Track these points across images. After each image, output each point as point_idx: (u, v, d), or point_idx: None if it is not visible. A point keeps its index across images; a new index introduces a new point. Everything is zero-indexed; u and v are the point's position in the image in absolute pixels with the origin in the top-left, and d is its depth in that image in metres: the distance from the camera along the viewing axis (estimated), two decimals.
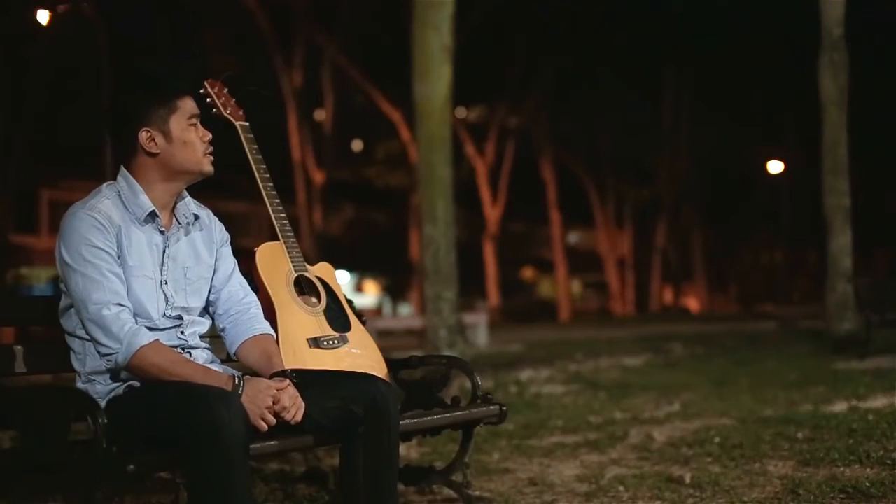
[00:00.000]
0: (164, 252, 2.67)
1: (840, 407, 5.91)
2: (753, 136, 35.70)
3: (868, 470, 3.95)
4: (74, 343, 2.64)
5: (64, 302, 2.63)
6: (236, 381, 2.50)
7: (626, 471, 4.23)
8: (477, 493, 3.79)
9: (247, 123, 3.30)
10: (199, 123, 2.70)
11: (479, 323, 16.90)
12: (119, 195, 2.65)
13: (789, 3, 23.39)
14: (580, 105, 32.35)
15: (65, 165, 30.23)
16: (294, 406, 2.54)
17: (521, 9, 28.27)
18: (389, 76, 27.07)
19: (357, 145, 39.81)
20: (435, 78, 10.96)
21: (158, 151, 2.63)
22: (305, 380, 2.73)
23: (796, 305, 33.47)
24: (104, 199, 2.63)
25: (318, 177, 29.65)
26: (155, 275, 2.64)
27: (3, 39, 21.24)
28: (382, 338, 13.56)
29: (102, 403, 2.54)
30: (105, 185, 2.70)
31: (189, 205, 2.78)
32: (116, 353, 2.48)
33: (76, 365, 2.64)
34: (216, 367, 2.71)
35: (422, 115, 11.10)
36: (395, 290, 40.97)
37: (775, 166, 34.86)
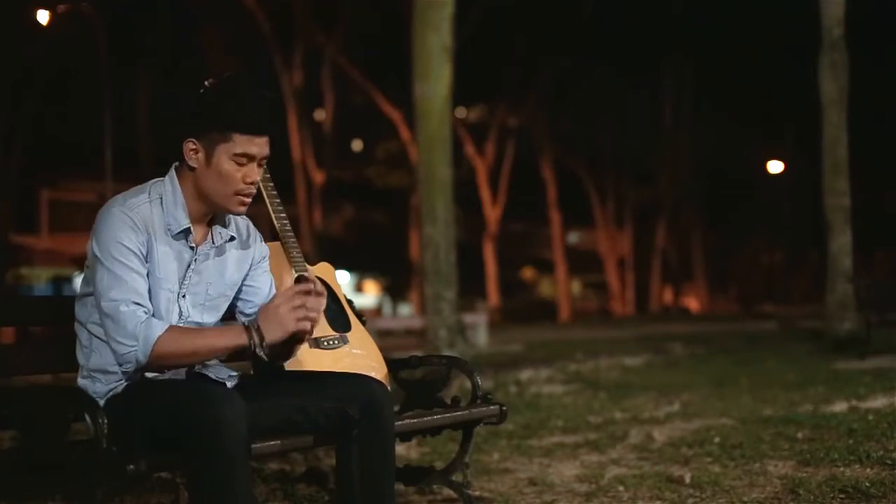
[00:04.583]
0: (188, 266, 2.62)
1: (840, 407, 5.91)
2: (753, 136, 35.72)
3: (868, 470, 3.95)
4: (83, 334, 2.61)
5: (82, 289, 2.60)
6: (248, 327, 2.49)
7: (626, 471, 4.23)
8: (477, 493, 3.79)
9: None
10: (251, 164, 2.56)
11: (479, 323, 16.90)
12: (161, 200, 2.59)
13: (789, 3, 23.41)
14: (580, 105, 32.36)
15: (65, 165, 30.24)
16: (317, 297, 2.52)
17: (521, 9, 28.29)
18: (389, 76, 27.10)
19: (357, 145, 39.82)
20: (435, 78, 10.96)
21: (196, 167, 2.57)
22: (304, 380, 2.73)
23: (796, 305, 33.50)
24: (145, 202, 2.56)
25: (318, 177, 29.67)
26: (174, 287, 2.60)
27: (3, 39, 21.24)
28: (382, 338, 13.57)
29: (102, 402, 2.53)
30: (152, 183, 2.63)
31: (229, 223, 2.70)
32: (135, 349, 2.44)
33: (80, 358, 2.62)
34: (218, 366, 2.71)
35: (422, 115, 11.10)
36: (395, 290, 40.97)
37: (775, 166, 34.89)
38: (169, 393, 2.46)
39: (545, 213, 35.57)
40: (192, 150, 2.56)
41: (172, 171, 2.63)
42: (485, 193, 32.85)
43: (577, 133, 34.13)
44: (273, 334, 2.49)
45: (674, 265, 39.99)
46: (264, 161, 2.61)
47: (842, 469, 4.00)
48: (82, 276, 2.63)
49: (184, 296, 2.61)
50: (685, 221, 38.49)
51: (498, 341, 16.07)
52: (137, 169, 28.67)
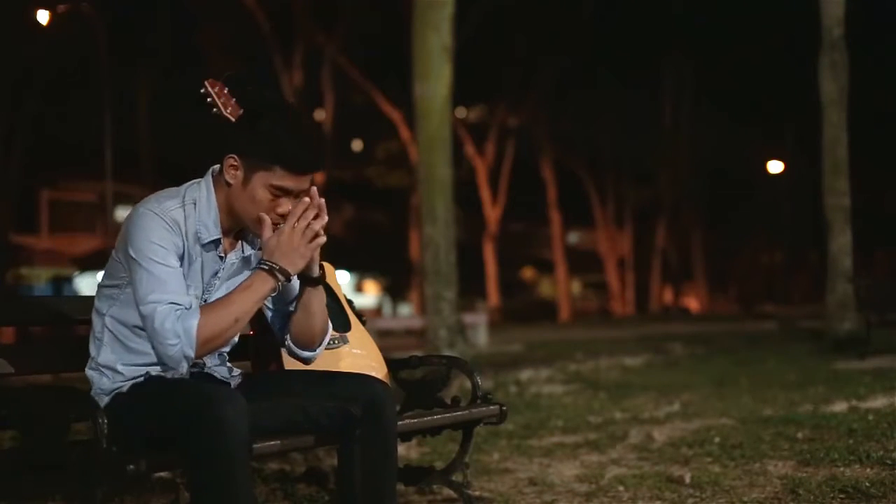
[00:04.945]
0: (216, 273, 2.61)
1: (840, 407, 5.91)
2: (753, 136, 35.74)
3: (868, 470, 3.95)
4: (97, 324, 2.59)
5: (104, 281, 2.58)
6: (267, 269, 2.45)
7: (626, 471, 4.23)
8: (477, 493, 3.79)
9: None
10: (284, 198, 2.49)
11: (479, 323, 16.91)
12: (195, 206, 2.55)
13: (789, 3, 23.41)
14: (580, 105, 32.36)
15: (65, 165, 30.23)
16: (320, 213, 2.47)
17: (521, 9, 28.30)
18: (389, 76, 27.10)
19: (357, 145, 39.80)
20: (435, 78, 10.96)
21: (231, 184, 2.53)
22: (305, 379, 2.72)
23: (796, 305, 33.52)
24: (177, 207, 2.53)
25: (318, 177, 29.54)
26: (199, 293, 2.58)
27: (3, 39, 21.23)
28: (382, 338, 13.59)
29: (106, 399, 2.53)
30: (187, 187, 2.58)
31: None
32: (179, 345, 2.40)
33: (91, 348, 2.60)
34: (221, 365, 2.71)
35: (422, 115, 11.11)
36: (395, 290, 40.99)
37: (775, 166, 34.91)
38: (171, 393, 2.45)
39: (545, 213, 35.58)
40: (232, 166, 2.52)
41: (209, 178, 2.59)
42: (485, 193, 32.85)
43: (577, 133, 34.14)
44: (295, 265, 2.47)
45: (674, 265, 40.00)
46: (301, 194, 2.54)
47: (842, 469, 4.00)
48: (105, 269, 2.60)
49: (205, 300, 2.59)
50: (685, 221, 38.51)
51: (498, 341, 16.08)
52: (137, 169, 28.71)
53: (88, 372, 2.60)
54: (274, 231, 2.48)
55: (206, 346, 2.44)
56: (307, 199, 2.47)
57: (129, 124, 27.18)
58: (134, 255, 2.46)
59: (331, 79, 29.36)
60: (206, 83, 3.29)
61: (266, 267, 2.46)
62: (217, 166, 2.59)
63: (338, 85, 29.54)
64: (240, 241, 2.65)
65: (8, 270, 27.08)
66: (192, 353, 2.41)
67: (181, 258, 2.51)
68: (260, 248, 2.64)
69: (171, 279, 2.45)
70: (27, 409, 2.53)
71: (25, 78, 23.78)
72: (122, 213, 34.05)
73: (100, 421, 2.35)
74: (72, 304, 3.06)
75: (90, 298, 2.78)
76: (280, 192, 2.49)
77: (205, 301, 2.58)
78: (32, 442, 2.50)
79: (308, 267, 2.55)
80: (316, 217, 2.47)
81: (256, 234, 2.58)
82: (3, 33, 21.06)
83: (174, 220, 2.50)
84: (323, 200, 2.49)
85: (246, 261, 2.66)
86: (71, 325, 2.95)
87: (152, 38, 28.16)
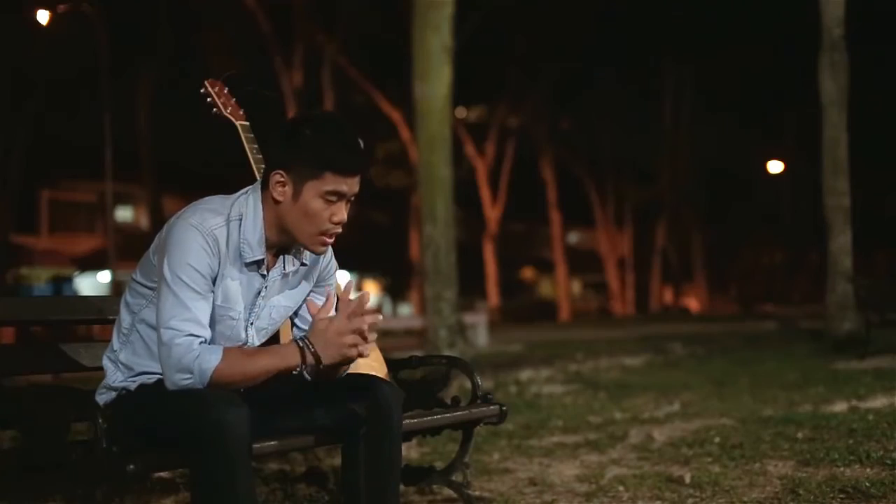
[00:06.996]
0: (258, 293, 2.58)
1: (840, 407, 5.92)
2: (753, 136, 35.75)
3: (868, 470, 3.95)
4: (126, 319, 2.58)
5: (140, 279, 2.56)
6: (302, 349, 2.44)
7: (626, 471, 4.23)
8: (477, 493, 3.79)
9: (247, 123, 3.31)
10: (340, 203, 2.48)
11: (479, 323, 16.90)
12: (240, 222, 2.50)
13: (789, 3, 23.42)
14: (580, 105, 32.36)
15: (65, 165, 30.23)
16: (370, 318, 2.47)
17: (520, 9, 28.30)
18: (389, 76, 27.11)
19: None
20: (435, 78, 10.98)
21: (281, 201, 2.47)
22: (307, 380, 2.72)
23: (796, 305, 33.51)
24: (221, 226, 2.47)
25: None
26: (240, 316, 2.56)
27: (3, 39, 21.23)
28: (382, 338, 13.56)
29: (112, 395, 2.53)
30: (235, 199, 2.53)
31: (302, 250, 2.61)
32: (190, 381, 2.39)
33: (115, 340, 2.59)
34: None
35: (422, 115, 11.12)
36: (395, 290, 40.98)
37: (775, 166, 34.91)
38: (174, 395, 2.44)
39: (545, 213, 35.59)
40: (280, 182, 2.48)
41: (258, 194, 2.54)
42: (485, 193, 32.86)
43: (577, 133, 34.15)
44: (331, 357, 2.46)
45: (674, 265, 40.00)
46: (353, 198, 2.53)
47: (842, 469, 4.00)
48: (139, 266, 2.57)
49: (252, 323, 2.58)
50: (685, 221, 38.51)
51: (498, 341, 16.07)
52: (137, 169, 28.69)
53: (105, 362, 2.59)
54: (330, 314, 2.48)
55: (217, 387, 2.41)
56: (364, 301, 2.45)
57: (129, 124, 27.17)
58: (167, 273, 2.42)
59: (331, 79, 29.36)
60: (206, 83, 3.30)
61: (302, 345, 2.45)
62: (264, 179, 2.55)
63: (338, 85, 29.54)
64: (281, 257, 2.61)
65: (8, 270, 27.08)
66: (204, 388, 2.40)
67: (214, 280, 2.48)
68: (303, 264, 2.63)
69: (196, 306, 2.42)
70: (27, 409, 2.53)
71: (26, 78, 23.79)
72: (122, 213, 34.10)
73: (100, 421, 2.35)
74: (72, 304, 3.06)
75: (90, 298, 2.77)
76: (334, 197, 2.47)
77: (251, 323, 2.57)
78: (32, 442, 2.50)
79: (335, 370, 2.54)
80: (360, 329, 2.46)
81: (309, 250, 2.56)
82: (3, 33, 21.06)
83: (215, 240, 2.45)
84: (381, 317, 2.49)
85: (286, 277, 2.63)
86: (71, 325, 2.95)
87: (153, 38, 28.16)
